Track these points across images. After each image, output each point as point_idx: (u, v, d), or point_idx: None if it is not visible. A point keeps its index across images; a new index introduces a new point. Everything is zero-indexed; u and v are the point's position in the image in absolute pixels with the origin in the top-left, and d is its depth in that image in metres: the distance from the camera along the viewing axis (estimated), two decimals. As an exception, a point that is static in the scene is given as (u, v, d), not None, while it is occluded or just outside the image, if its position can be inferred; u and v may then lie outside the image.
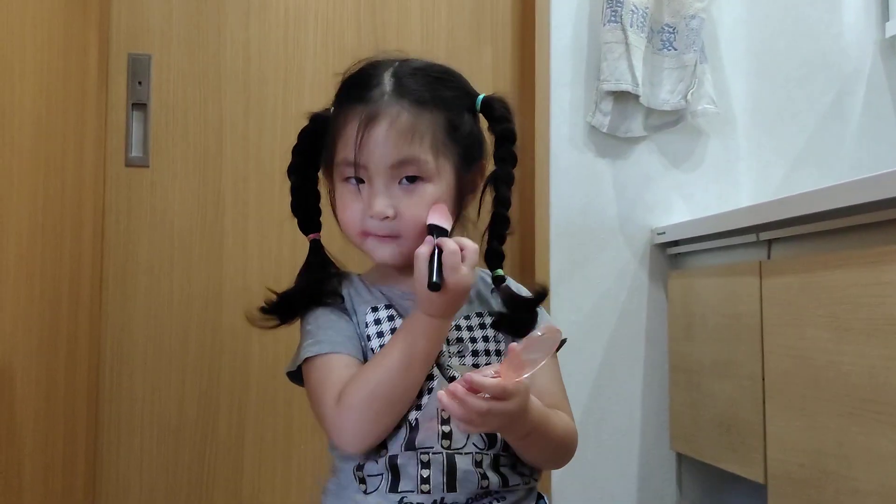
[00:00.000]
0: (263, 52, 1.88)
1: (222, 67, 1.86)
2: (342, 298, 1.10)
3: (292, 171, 1.14)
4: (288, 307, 1.10)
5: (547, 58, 1.94)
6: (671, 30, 1.94)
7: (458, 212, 1.10)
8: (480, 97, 1.11)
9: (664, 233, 1.92)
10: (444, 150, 1.05)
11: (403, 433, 1.01)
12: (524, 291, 1.16)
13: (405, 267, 1.05)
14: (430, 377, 1.03)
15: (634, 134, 1.95)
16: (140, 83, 1.81)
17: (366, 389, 0.99)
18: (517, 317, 1.10)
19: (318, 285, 1.10)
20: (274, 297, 1.10)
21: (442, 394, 0.90)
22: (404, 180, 1.03)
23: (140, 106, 1.81)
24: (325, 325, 1.07)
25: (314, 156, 1.14)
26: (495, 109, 1.10)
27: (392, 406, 0.99)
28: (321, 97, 1.19)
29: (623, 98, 1.92)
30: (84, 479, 1.65)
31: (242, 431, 1.81)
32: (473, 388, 0.90)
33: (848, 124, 2.09)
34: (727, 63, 2.05)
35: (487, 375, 0.90)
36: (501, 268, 1.11)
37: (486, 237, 1.12)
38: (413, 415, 1.01)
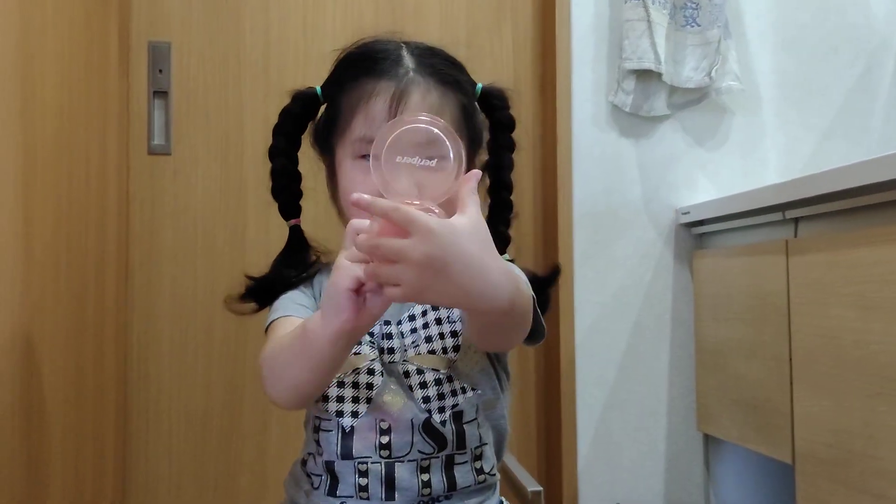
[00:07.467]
0: (283, 36, 1.87)
1: (242, 53, 1.86)
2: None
3: (276, 153, 1.11)
4: (265, 293, 1.07)
5: (568, 37, 1.92)
6: (694, 6, 1.91)
7: None
8: (479, 85, 1.09)
9: (689, 212, 1.90)
10: (460, 134, 1.01)
11: (335, 437, 0.98)
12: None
13: None
14: (370, 386, 0.98)
15: (658, 113, 1.93)
16: (160, 71, 1.81)
17: (273, 347, 0.93)
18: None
19: (295, 277, 1.07)
20: (251, 283, 1.09)
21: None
22: (426, 160, 0.97)
23: (161, 94, 1.82)
24: (284, 298, 1.05)
25: (298, 136, 1.11)
26: (494, 97, 1.09)
27: (289, 368, 0.89)
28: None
29: (646, 76, 1.90)
30: (114, 464, 1.67)
31: (268, 417, 1.82)
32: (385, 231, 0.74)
33: (876, 98, 2.05)
34: (751, 38, 2.01)
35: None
36: (506, 252, 1.09)
37: (490, 222, 1.07)
38: (347, 421, 0.97)
